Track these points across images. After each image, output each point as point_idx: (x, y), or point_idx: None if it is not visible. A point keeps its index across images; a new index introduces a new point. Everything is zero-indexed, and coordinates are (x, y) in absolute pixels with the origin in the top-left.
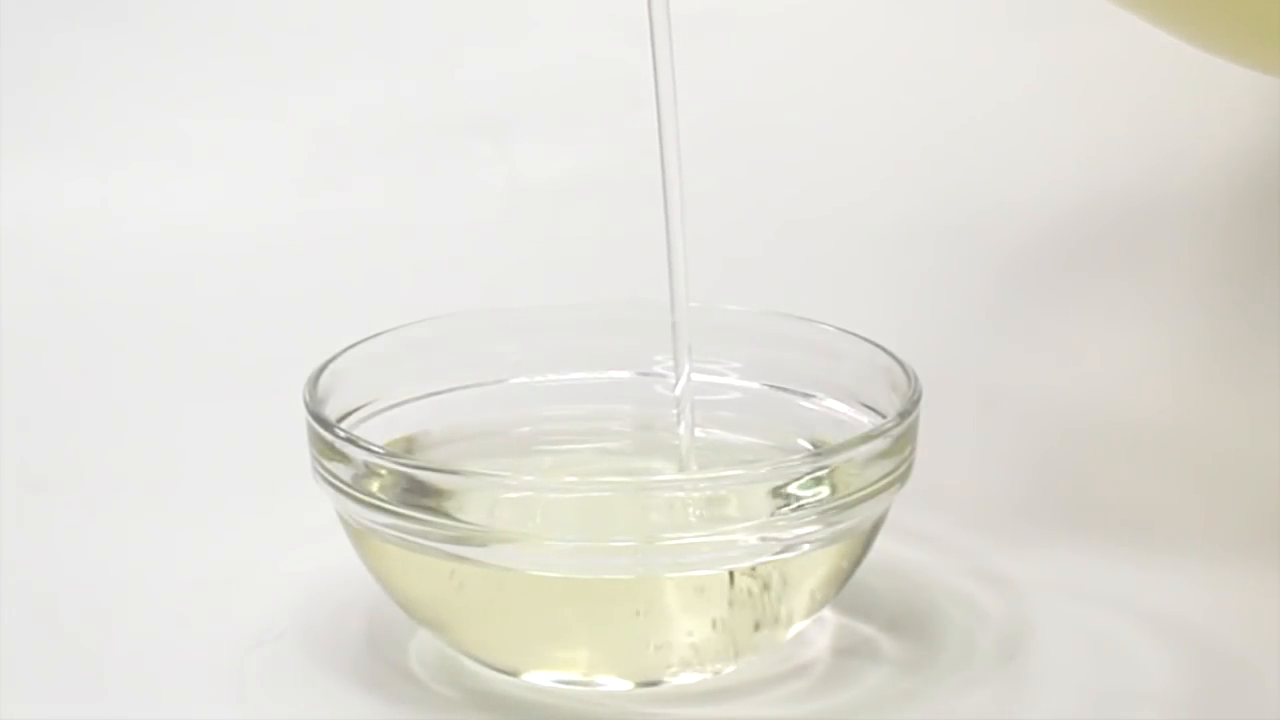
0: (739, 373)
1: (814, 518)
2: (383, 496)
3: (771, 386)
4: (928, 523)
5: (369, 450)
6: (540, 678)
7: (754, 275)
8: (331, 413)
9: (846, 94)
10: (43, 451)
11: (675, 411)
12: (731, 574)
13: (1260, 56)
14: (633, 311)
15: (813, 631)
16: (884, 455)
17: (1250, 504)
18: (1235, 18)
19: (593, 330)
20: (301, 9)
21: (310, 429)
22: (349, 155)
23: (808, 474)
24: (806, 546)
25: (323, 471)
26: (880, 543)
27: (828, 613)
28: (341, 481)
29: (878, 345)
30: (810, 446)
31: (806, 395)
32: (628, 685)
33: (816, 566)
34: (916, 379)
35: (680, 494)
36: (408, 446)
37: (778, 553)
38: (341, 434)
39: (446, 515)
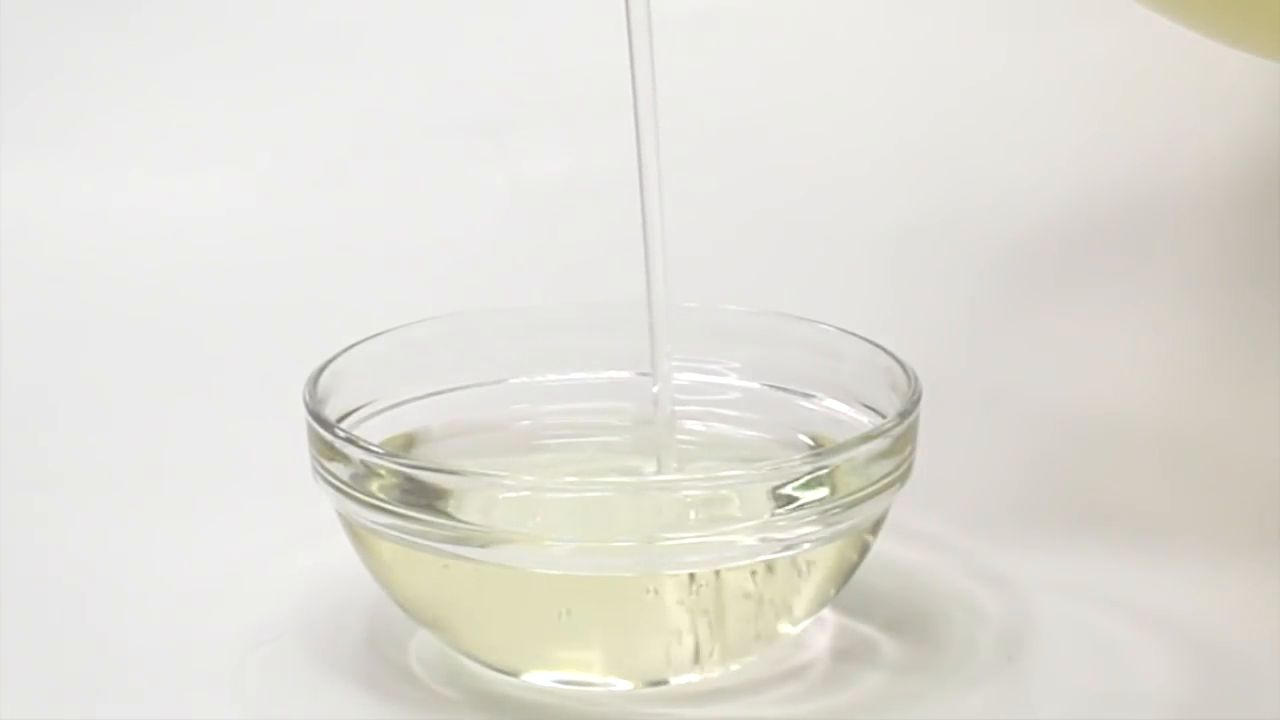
0: (739, 373)
1: (814, 518)
2: (383, 496)
3: (771, 386)
4: (928, 523)
5: (369, 450)
6: (540, 678)
7: (754, 275)
8: (331, 413)
9: (847, 94)
10: (42, 451)
11: (655, 410)
12: (731, 574)
13: (1257, 41)
14: (633, 311)
15: (812, 632)
16: (884, 455)
17: (1250, 504)
18: (1234, 1)
19: (593, 330)
20: (302, 9)
21: (310, 429)
22: (349, 155)
23: (808, 474)
24: (806, 546)
25: (323, 471)
26: (880, 543)
27: (827, 613)
28: (341, 481)
29: (878, 345)
30: (810, 442)
31: (806, 395)
32: (628, 685)
33: (816, 567)
34: (916, 379)
35: (680, 494)
36: (408, 442)
37: (778, 553)
38: (341, 434)
39: (446, 515)
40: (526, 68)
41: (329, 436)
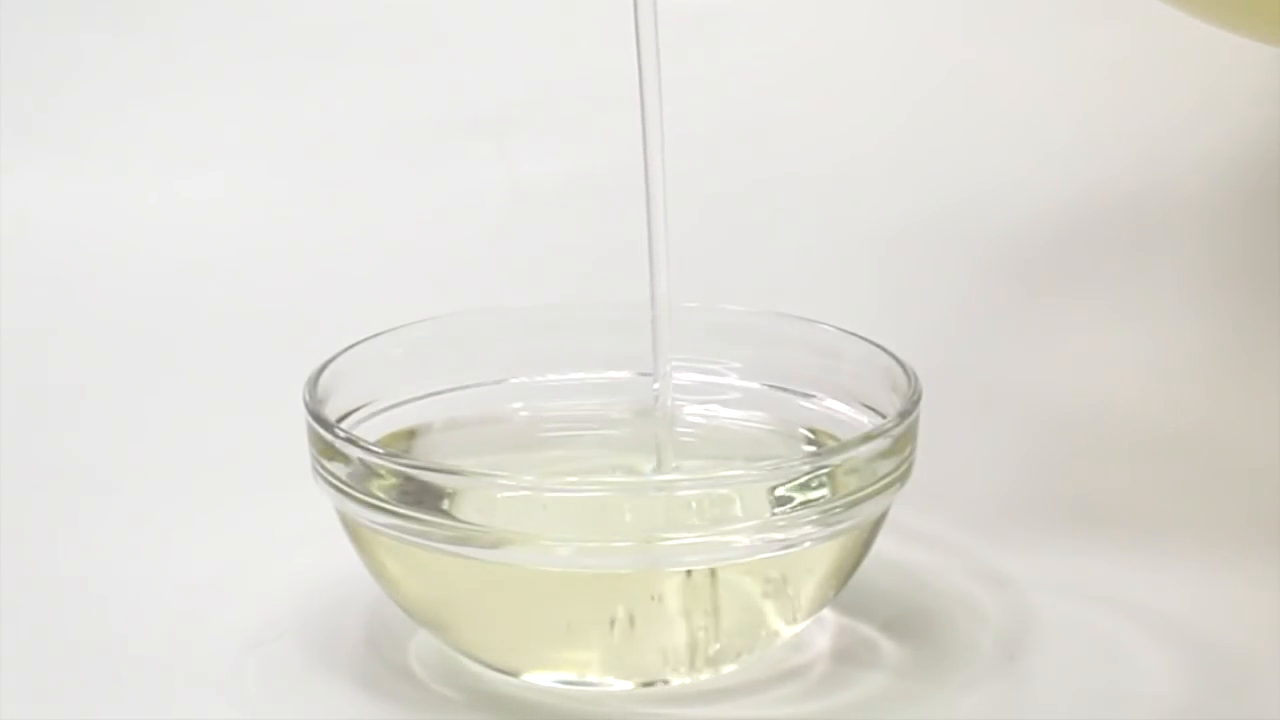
0: (739, 373)
1: (814, 518)
2: (382, 496)
3: (771, 386)
4: (928, 523)
5: (369, 450)
6: (540, 678)
7: (753, 275)
8: (331, 413)
9: (847, 94)
10: (42, 451)
11: (655, 406)
12: (731, 574)
13: (1258, 25)
14: (633, 311)
15: (812, 632)
16: (884, 455)
17: (1250, 504)
18: None
19: (593, 330)
20: (302, 10)
21: (310, 429)
22: (349, 155)
23: (808, 474)
24: (807, 546)
25: (323, 471)
26: (880, 543)
27: (827, 613)
28: (341, 481)
29: (878, 345)
30: (809, 435)
31: (806, 395)
32: (628, 685)
33: (816, 566)
34: (916, 379)
35: (680, 494)
36: (409, 435)
37: (777, 553)
38: (341, 434)
39: (446, 515)
40: (526, 68)
41: (329, 436)
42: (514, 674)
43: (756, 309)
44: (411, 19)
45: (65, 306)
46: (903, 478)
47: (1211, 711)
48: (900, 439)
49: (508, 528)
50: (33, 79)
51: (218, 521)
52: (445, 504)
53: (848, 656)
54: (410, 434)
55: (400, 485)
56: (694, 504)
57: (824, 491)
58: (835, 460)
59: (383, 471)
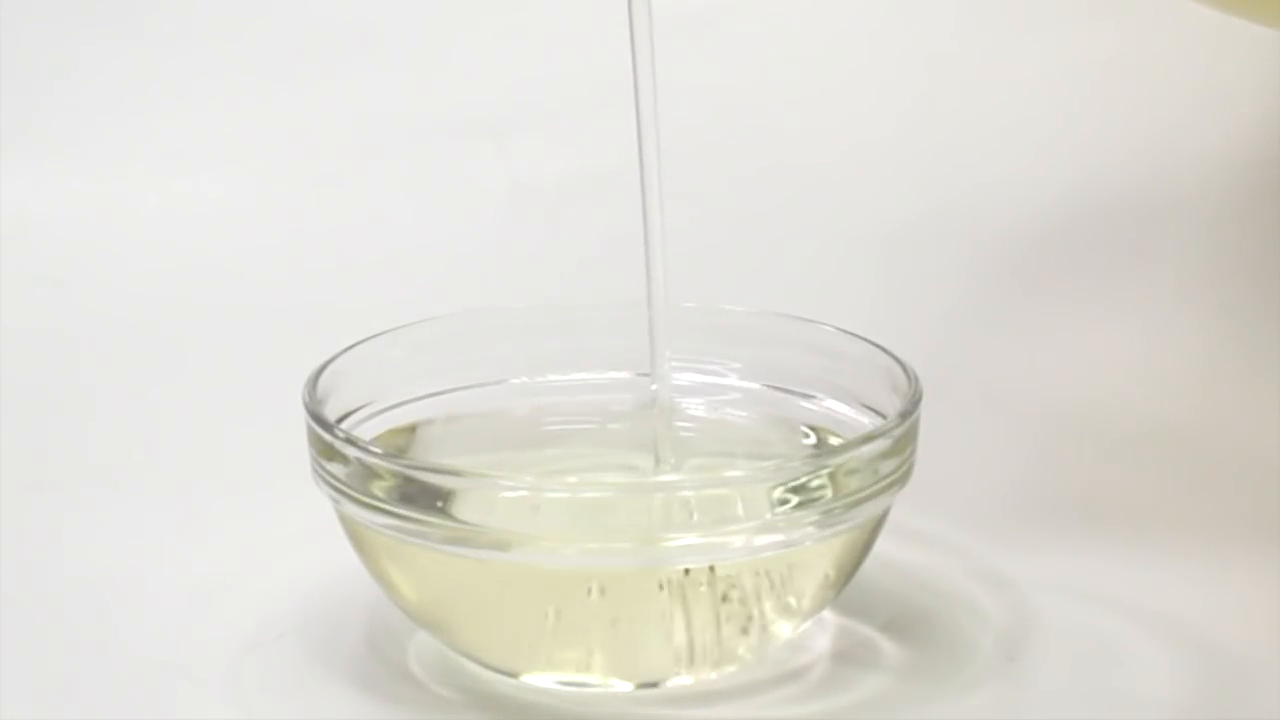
0: (739, 373)
1: (814, 518)
2: (382, 496)
3: (771, 387)
4: (928, 523)
5: (368, 450)
6: (540, 678)
7: (753, 276)
8: (331, 413)
9: (847, 93)
10: (42, 451)
11: (654, 405)
12: (732, 574)
13: (1259, 8)
14: (633, 311)
15: (812, 632)
16: (884, 456)
17: (1250, 504)
18: None
19: (593, 330)
20: (302, 10)
21: (310, 429)
22: (349, 155)
23: (808, 474)
24: (807, 546)
25: (323, 472)
26: (880, 543)
27: (827, 613)
28: (341, 481)
29: (878, 345)
30: (810, 432)
31: (806, 395)
32: (628, 686)
33: (816, 567)
34: (916, 379)
35: (680, 494)
36: (410, 430)
37: (777, 552)
38: (341, 434)
39: (446, 515)
40: (526, 68)
41: (329, 437)
42: (513, 674)
43: (756, 309)
44: (412, 19)
45: (65, 306)
46: (903, 478)
47: (1212, 712)
48: (901, 439)
49: (507, 528)
50: (33, 79)
51: (218, 521)
52: (444, 504)
53: (848, 657)
54: (410, 429)
55: (399, 486)
56: (694, 504)
57: (824, 492)
58: (836, 461)
59: (382, 472)
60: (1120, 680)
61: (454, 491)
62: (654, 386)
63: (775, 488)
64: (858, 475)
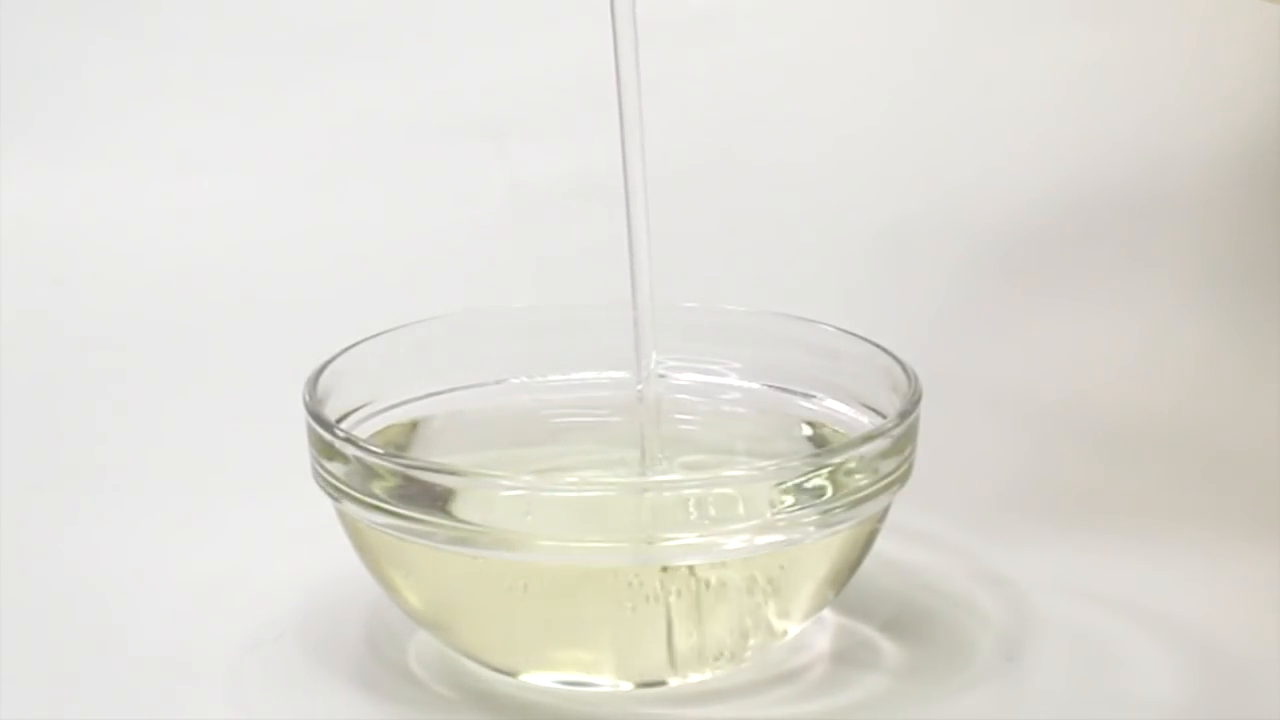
0: (739, 373)
1: (814, 518)
2: (382, 496)
3: (771, 386)
4: (927, 522)
5: (368, 450)
6: (540, 678)
7: (753, 275)
8: (331, 413)
9: (847, 93)
10: (42, 451)
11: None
12: (731, 574)
13: None
14: (632, 311)
15: (812, 632)
16: (884, 455)
17: (1251, 503)
18: None
19: (593, 330)
20: (302, 10)
21: (310, 429)
22: (349, 155)
23: (808, 474)
24: (807, 545)
25: (323, 471)
26: (880, 542)
27: (827, 613)
28: (341, 481)
29: (878, 345)
30: (809, 430)
31: (806, 395)
32: (628, 686)
33: (816, 567)
34: (916, 379)
35: (680, 494)
36: (411, 426)
37: (777, 552)
38: (341, 434)
39: (446, 515)
40: (526, 68)
41: (329, 436)
42: (513, 674)
43: (756, 309)
44: (411, 19)
45: (65, 306)
46: (903, 478)
47: (1212, 711)
48: (900, 439)
49: (507, 528)
50: (33, 79)
51: (218, 521)
52: (445, 504)
53: (847, 657)
54: (412, 426)
55: (400, 485)
56: (694, 503)
57: (825, 492)
58: (836, 460)
59: (382, 471)
60: (1120, 680)
61: (454, 491)
62: (639, 386)
63: (775, 487)
64: (857, 474)
